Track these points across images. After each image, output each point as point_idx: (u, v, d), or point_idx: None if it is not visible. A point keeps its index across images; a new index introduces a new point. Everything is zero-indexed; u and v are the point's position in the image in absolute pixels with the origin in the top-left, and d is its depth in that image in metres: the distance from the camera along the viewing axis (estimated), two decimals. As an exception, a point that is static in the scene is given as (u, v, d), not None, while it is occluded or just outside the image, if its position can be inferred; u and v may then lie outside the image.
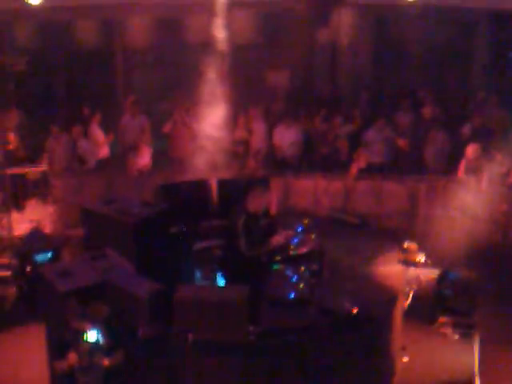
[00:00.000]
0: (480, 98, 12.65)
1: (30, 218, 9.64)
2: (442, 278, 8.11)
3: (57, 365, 5.32)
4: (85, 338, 5.27)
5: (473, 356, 6.60)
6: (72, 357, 5.23)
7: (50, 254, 8.06)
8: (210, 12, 10.62)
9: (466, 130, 11.35)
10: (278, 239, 6.97)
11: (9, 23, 12.49)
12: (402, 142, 11.17)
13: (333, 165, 11.09)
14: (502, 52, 13.97)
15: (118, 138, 11.94)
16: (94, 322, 5.34)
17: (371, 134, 11.38)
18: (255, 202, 6.78)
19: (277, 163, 11.41)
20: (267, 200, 6.85)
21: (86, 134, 11.67)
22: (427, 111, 11.91)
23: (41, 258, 7.96)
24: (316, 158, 11.37)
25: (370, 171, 10.94)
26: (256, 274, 6.79)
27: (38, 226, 9.13)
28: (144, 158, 11.32)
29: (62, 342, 5.37)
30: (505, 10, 12.29)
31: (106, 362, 5.34)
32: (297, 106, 12.25)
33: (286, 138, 11.54)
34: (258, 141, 11.59)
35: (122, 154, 11.67)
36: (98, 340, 5.33)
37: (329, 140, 11.41)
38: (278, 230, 7.22)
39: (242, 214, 6.72)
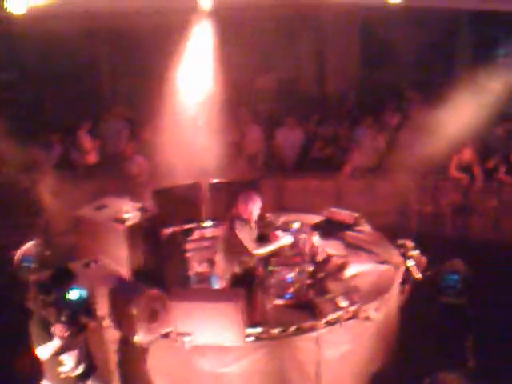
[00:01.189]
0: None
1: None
2: (437, 273, 7.99)
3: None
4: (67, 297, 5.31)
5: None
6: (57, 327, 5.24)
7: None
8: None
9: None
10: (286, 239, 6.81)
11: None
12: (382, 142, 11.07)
13: (325, 166, 10.93)
14: (484, 51, 13.93)
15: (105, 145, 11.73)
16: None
17: (360, 134, 11.23)
18: (247, 207, 6.59)
19: (275, 165, 11.25)
20: (259, 204, 6.64)
21: (74, 141, 11.43)
22: (414, 111, 11.80)
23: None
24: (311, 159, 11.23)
25: (361, 170, 10.80)
26: (252, 275, 6.59)
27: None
28: (137, 167, 11.06)
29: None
30: (485, 11, 12.21)
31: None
32: (286, 109, 12.06)
33: (290, 139, 11.38)
34: (252, 144, 11.39)
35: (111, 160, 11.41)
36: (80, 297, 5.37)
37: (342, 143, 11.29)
38: (271, 232, 7.05)
39: (236, 219, 6.55)
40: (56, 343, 5.30)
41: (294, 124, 11.44)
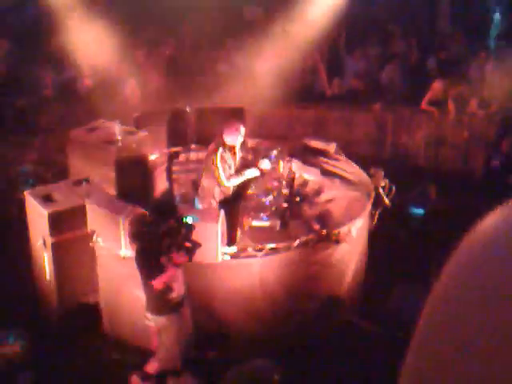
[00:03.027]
0: (445, 33, 12.45)
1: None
2: (406, 201, 8.18)
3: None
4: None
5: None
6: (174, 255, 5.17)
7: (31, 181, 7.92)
8: None
9: (431, 63, 11.18)
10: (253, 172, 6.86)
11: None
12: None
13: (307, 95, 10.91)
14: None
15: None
16: None
17: (349, 64, 11.20)
18: (231, 135, 6.62)
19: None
20: (241, 132, 6.68)
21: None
22: (395, 44, 11.75)
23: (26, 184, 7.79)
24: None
25: (342, 99, 10.82)
26: (231, 199, 6.74)
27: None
28: (130, 90, 10.97)
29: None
30: None
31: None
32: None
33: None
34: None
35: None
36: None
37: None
38: (254, 160, 7.13)
39: (219, 146, 6.58)
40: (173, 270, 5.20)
41: None
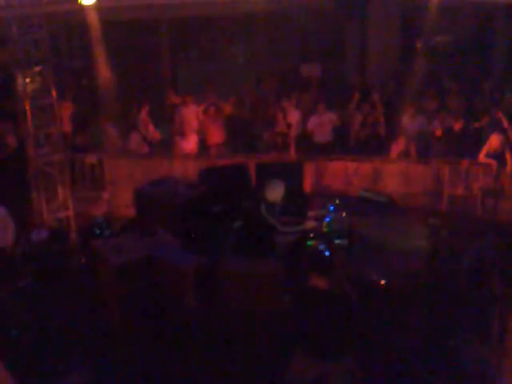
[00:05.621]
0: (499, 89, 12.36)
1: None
2: (468, 253, 7.98)
3: None
4: None
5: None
6: None
7: (107, 232, 8.16)
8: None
9: (487, 118, 11.10)
10: (310, 224, 7.17)
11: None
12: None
13: (365, 148, 10.97)
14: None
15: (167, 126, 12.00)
16: None
17: (406, 121, 11.21)
18: (272, 194, 7.08)
19: (311, 148, 11.29)
20: (283, 190, 7.05)
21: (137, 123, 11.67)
22: (451, 99, 11.74)
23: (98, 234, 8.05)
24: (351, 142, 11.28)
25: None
26: (292, 249, 6.78)
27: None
28: (190, 143, 11.29)
29: None
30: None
31: None
32: (329, 95, 12.08)
33: (321, 124, 11.35)
34: (293, 129, 11.50)
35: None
36: None
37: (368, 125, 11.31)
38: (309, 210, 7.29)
39: (262, 202, 7.08)
40: None
41: (324, 109, 11.36)
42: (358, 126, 11.39)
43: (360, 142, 11.23)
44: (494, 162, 10.11)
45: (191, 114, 11.69)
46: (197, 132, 11.45)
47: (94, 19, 10.25)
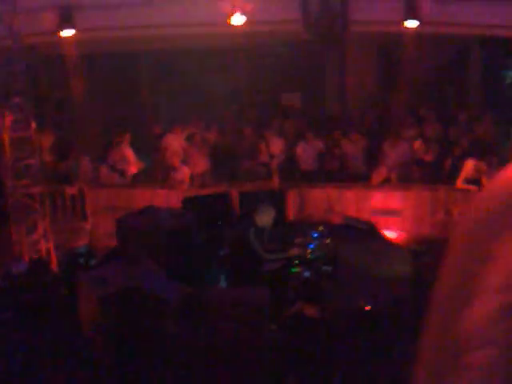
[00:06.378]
0: (474, 116, 12.55)
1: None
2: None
3: None
4: None
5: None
6: None
7: (91, 262, 8.05)
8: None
9: (463, 144, 11.25)
10: (295, 251, 7.20)
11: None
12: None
13: (344, 177, 11.02)
14: (493, 72, 13.94)
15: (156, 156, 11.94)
16: None
17: (386, 149, 11.29)
18: (262, 218, 7.03)
19: (295, 175, 11.33)
20: (273, 215, 6.94)
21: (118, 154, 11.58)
22: (428, 128, 11.89)
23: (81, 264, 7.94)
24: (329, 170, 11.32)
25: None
26: (277, 276, 6.74)
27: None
28: (182, 175, 11.20)
29: None
30: (493, 36, 12.30)
31: None
32: (309, 125, 12.16)
33: (309, 152, 11.44)
34: (276, 159, 11.52)
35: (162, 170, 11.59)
36: None
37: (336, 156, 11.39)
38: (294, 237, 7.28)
39: (251, 227, 7.00)
40: None
41: (312, 138, 11.47)
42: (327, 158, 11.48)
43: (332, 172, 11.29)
44: (472, 188, 10.19)
45: (176, 143, 11.68)
46: (185, 162, 11.40)
47: (73, 51, 10.25)
